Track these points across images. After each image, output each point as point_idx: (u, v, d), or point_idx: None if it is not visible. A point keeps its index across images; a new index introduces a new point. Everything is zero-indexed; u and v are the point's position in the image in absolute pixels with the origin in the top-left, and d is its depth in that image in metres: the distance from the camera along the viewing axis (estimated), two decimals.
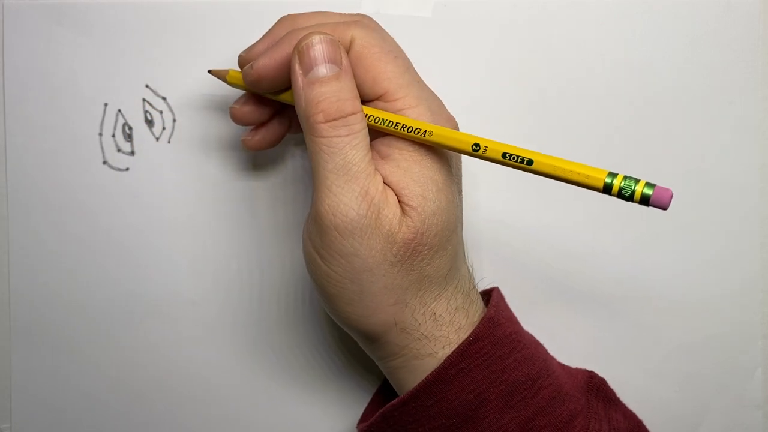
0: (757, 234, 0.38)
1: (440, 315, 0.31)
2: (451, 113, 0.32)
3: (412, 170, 0.30)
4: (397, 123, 0.29)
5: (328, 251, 0.29)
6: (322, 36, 0.29)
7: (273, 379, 0.38)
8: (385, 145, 0.30)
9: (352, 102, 0.29)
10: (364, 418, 0.34)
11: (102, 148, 0.37)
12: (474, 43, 0.37)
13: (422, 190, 0.29)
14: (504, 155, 0.28)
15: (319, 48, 0.29)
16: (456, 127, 0.31)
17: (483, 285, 0.36)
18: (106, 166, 0.37)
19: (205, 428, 0.38)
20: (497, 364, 0.31)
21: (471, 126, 0.37)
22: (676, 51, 0.37)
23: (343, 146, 0.29)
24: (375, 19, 0.32)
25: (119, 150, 0.37)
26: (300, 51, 0.29)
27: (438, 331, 0.30)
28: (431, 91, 0.32)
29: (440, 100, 0.32)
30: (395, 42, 0.32)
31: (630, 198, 0.25)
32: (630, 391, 0.38)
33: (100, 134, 0.37)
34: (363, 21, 0.31)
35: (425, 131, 0.29)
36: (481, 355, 0.30)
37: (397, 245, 0.29)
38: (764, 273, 0.38)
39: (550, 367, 0.32)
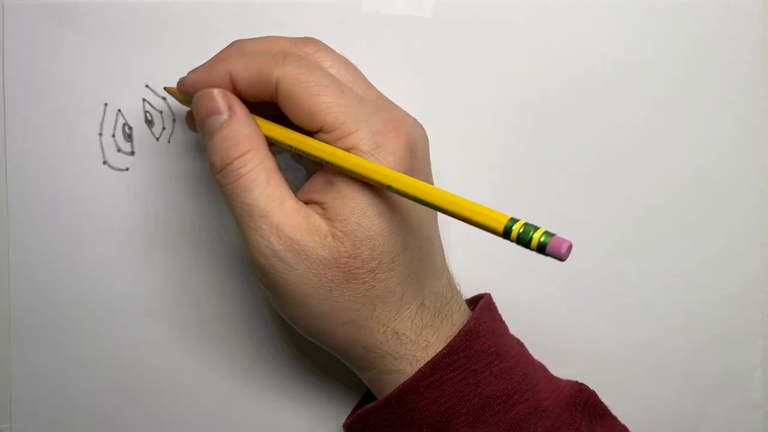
0: (757, 234, 0.38)
1: (404, 333, 0.31)
2: (406, 124, 0.31)
3: (353, 196, 0.30)
4: (327, 160, 0.30)
5: (266, 283, 0.30)
6: (205, 91, 0.30)
7: (273, 379, 0.38)
8: (330, 172, 0.30)
9: (235, 147, 0.30)
10: (350, 416, 0.35)
11: (102, 148, 0.37)
12: (474, 43, 0.37)
13: (359, 216, 0.29)
14: (413, 198, 0.28)
15: (204, 103, 0.31)
16: (407, 141, 0.30)
17: (479, 289, 0.36)
18: (106, 166, 0.37)
19: (204, 428, 0.38)
20: (471, 378, 0.31)
21: (471, 126, 0.37)
22: (676, 51, 0.37)
23: (237, 192, 0.30)
24: (321, 40, 0.32)
25: (119, 150, 0.37)
26: (193, 109, 0.31)
27: (402, 350, 0.31)
28: (380, 104, 0.31)
29: (391, 113, 0.31)
30: (339, 60, 0.32)
31: (528, 244, 0.25)
32: (630, 391, 0.38)
33: (100, 134, 0.37)
34: (294, 54, 0.31)
35: (347, 167, 0.29)
36: (454, 368, 0.30)
37: (331, 270, 0.29)
38: (764, 273, 0.38)
39: (530, 381, 0.32)
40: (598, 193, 0.38)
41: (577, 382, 0.34)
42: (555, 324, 0.38)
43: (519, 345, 0.34)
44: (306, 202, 0.31)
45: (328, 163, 0.30)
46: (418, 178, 0.30)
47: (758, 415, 0.39)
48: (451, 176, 0.38)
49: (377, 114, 0.30)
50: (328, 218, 0.30)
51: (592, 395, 0.34)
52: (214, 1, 0.37)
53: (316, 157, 0.30)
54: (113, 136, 0.37)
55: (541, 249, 0.24)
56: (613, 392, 0.37)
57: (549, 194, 0.38)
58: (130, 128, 0.37)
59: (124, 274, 0.38)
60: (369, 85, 0.33)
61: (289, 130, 0.31)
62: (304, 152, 0.30)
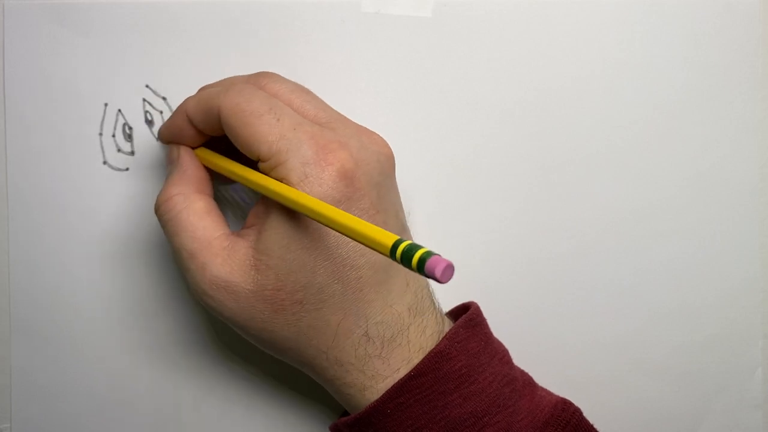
0: (757, 234, 0.38)
1: (348, 362, 0.31)
2: (345, 149, 0.30)
3: (278, 229, 0.30)
4: (259, 186, 0.30)
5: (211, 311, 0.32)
6: (169, 146, 0.34)
7: (273, 378, 0.38)
8: (265, 204, 0.31)
9: (165, 190, 0.32)
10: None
11: (102, 148, 0.37)
12: (474, 43, 0.37)
13: (282, 250, 0.30)
14: (314, 215, 0.28)
15: (167, 154, 0.34)
16: (340, 169, 0.30)
17: (474, 290, 0.36)
18: (106, 166, 0.37)
19: (206, 427, 0.38)
20: (439, 400, 0.30)
21: (471, 126, 0.37)
22: (676, 51, 0.37)
23: (168, 235, 0.32)
24: (276, 73, 0.33)
25: (119, 150, 0.37)
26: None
27: (349, 377, 0.31)
28: (330, 127, 0.31)
29: (332, 136, 0.30)
30: (291, 86, 0.32)
31: (409, 263, 0.25)
32: (630, 390, 0.38)
33: (100, 134, 0.37)
34: (240, 84, 0.31)
35: (270, 194, 0.30)
36: (422, 390, 0.30)
37: (259, 303, 0.30)
38: (764, 273, 0.38)
39: (505, 401, 0.31)
40: (597, 192, 0.38)
41: (562, 400, 0.33)
42: (554, 324, 0.38)
43: (501, 361, 0.33)
44: (249, 227, 0.32)
45: (258, 189, 0.31)
46: (357, 206, 0.30)
47: (758, 415, 0.39)
48: (450, 176, 0.38)
49: (312, 140, 0.30)
50: (257, 248, 0.30)
51: (575, 414, 0.33)
52: (214, 1, 0.37)
53: (250, 185, 0.31)
54: (113, 136, 0.37)
55: (420, 267, 0.24)
56: (613, 392, 0.37)
57: (549, 194, 0.38)
58: (130, 128, 0.37)
59: (125, 274, 0.38)
60: (322, 107, 0.32)
61: (229, 161, 0.32)
62: (241, 182, 0.32)
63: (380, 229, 0.26)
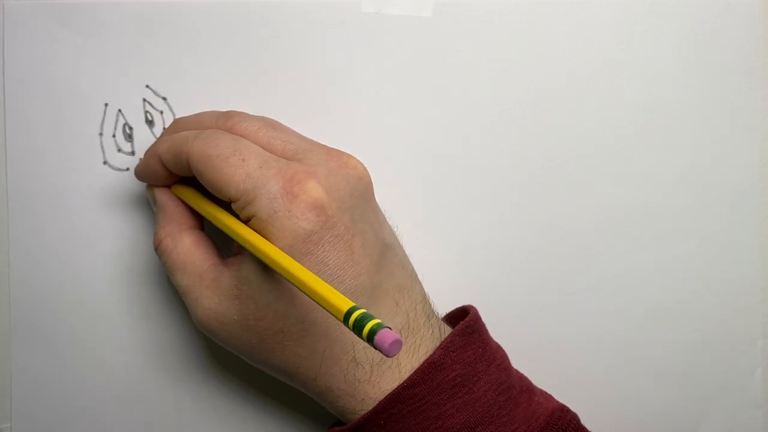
0: (757, 234, 0.38)
1: (337, 387, 0.31)
2: (313, 178, 0.30)
3: (257, 259, 0.30)
4: (228, 232, 0.31)
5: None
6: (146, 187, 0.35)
7: (270, 383, 0.38)
8: None
9: (155, 234, 0.34)
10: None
11: (102, 148, 0.37)
12: (474, 43, 0.37)
13: (261, 280, 0.30)
14: (274, 270, 0.29)
15: (148, 195, 0.35)
16: (308, 199, 0.30)
17: (475, 292, 0.36)
18: (106, 166, 0.37)
19: (204, 427, 0.38)
20: (432, 411, 0.30)
21: (471, 126, 0.37)
22: (676, 51, 0.37)
23: (168, 274, 0.33)
24: (242, 111, 0.33)
25: (119, 150, 0.37)
26: None
27: (339, 402, 0.31)
28: (297, 159, 0.31)
29: (299, 167, 0.30)
30: (259, 122, 0.32)
31: (360, 332, 0.24)
32: (630, 390, 0.38)
33: (101, 134, 0.37)
34: (208, 131, 0.32)
35: (236, 239, 0.30)
36: (415, 400, 0.30)
37: (245, 333, 0.31)
38: (764, 273, 0.38)
39: (499, 410, 0.31)
40: (597, 192, 0.38)
41: (559, 407, 0.33)
42: (554, 323, 0.38)
43: (498, 367, 0.32)
44: (236, 254, 0.32)
45: (227, 231, 0.31)
46: (332, 233, 0.30)
47: (758, 415, 0.39)
48: (450, 176, 0.38)
49: (278, 175, 0.30)
50: (238, 278, 0.31)
51: (572, 422, 0.32)
52: (214, 1, 0.37)
53: (220, 226, 0.32)
54: (113, 136, 0.37)
55: (370, 338, 0.24)
56: (613, 392, 0.37)
57: (549, 194, 0.38)
58: (131, 128, 0.37)
59: (124, 274, 0.38)
60: (289, 139, 0.32)
61: (202, 201, 0.33)
62: (214, 223, 0.32)
63: (336, 292, 0.26)
